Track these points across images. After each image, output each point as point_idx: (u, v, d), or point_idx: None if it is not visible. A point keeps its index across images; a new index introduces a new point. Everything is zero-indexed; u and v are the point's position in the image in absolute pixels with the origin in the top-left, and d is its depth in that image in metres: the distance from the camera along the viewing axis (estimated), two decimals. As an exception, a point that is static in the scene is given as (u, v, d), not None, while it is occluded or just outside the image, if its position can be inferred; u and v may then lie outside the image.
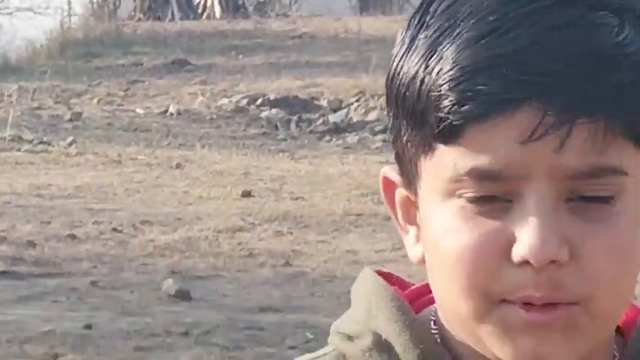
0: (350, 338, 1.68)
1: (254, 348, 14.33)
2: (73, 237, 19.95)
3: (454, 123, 1.42)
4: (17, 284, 17.24)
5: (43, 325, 14.98)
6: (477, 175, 1.43)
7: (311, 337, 15.27)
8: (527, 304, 1.42)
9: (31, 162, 27.21)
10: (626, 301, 1.60)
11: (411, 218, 1.61)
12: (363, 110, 33.63)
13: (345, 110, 33.33)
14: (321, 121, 32.44)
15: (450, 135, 1.44)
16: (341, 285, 17.64)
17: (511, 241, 1.42)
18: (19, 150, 28.89)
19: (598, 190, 1.43)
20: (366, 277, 1.72)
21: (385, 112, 1.81)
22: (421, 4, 1.58)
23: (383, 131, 30.32)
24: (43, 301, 16.37)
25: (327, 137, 30.98)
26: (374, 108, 32.98)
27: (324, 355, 1.75)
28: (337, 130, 31.45)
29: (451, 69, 1.42)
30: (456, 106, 1.42)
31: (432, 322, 1.63)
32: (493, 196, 1.45)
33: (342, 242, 19.79)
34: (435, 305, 1.65)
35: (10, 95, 35.67)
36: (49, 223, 21.28)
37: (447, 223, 1.47)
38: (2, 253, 19.00)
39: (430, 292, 1.67)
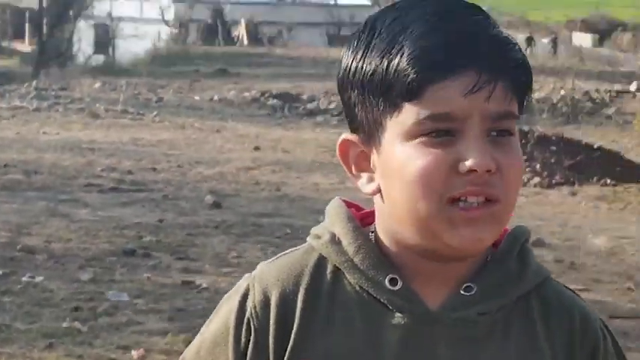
0: (317, 237, 2.10)
1: (257, 237, 17.07)
2: (154, 169, 24.51)
3: (420, 84, 1.85)
4: (120, 195, 20.74)
5: (135, 219, 17.73)
6: (434, 118, 1.86)
7: (289, 231, 17.88)
8: (467, 208, 1.87)
9: (132, 125, 33.69)
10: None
11: (363, 167, 2.02)
12: (327, 102, 42.93)
13: (317, 102, 43.75)
14: (302, 107, 42.66)
15: (415, 95, 1.86)
16: (310, 201, 21.66)
17: (456, 160, 1.84)
18: (125, 118, 35.85)
19: (506, 127, 1.93)
20: (334, 201, 2.17)
21: (341, 102, 2.12)
22: (365, 24, 2.02)
23: (338, 114, 37.31)
24: (135, 206, 19.53)
25: (305, 117, 39.97)
26: (333, 101, 40.65)
27: (300, 247, 2.20)
28: (311, 113, 41.08)
29: (413, 51, 1.85)
30: (420, 74, 1.84)
31: (371, 232, 2.05)
32: (443, 130, 1.88)
33: (310, 178, 24.52)
34: (374, 224, 2.08)
35: (122, 86, 45.85)
36: (140, 160, 26.19)
37: (411, 153, 1.88)
38: (112, 177, 23.11)
39: (373, 218, 2.11)
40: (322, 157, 27.80)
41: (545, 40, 74.25)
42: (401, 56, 1.78)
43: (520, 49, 1.89)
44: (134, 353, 10.94)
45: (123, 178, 22.24)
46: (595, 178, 22.98)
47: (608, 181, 22.86)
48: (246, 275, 2.01)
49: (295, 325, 1.89)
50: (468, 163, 1.75)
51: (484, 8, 1.96)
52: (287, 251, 2.07)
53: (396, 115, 1.81)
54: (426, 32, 1.81)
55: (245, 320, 1.91)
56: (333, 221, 2.00)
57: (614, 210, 20.58)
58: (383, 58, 1.81)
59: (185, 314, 12.54)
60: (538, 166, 23.34)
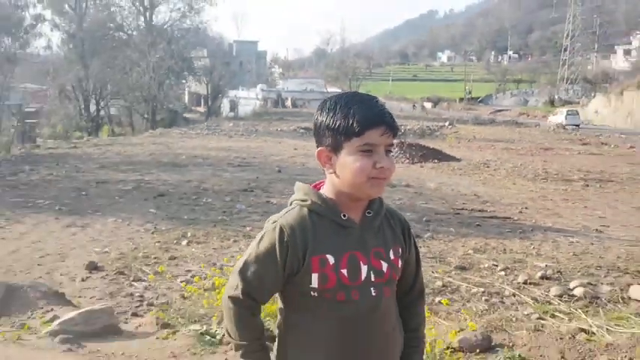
0: (304, 200, 1.97)
1: (264, 192, 14.63)
2: (254, 157, 22.34)
3: (361, 130, 1.84)
4: (241, 168, 19.46)
5: (247, 177, 16.67)
6: (366, 144, 1.85)
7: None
8: (378, 180, 1.87)
9: (245, 140, 30.77)
10: None
11: (328, 162, 1.94)
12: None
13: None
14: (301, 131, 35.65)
15: (358, 135, 1.85)
16: (289, 167, 19.59)
17: (374, 162, 1.85)
18: (242, 137, 32.26)
19: (390, 148, 1.91)
20: (301, 184, 2.05)
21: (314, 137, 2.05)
22: (330, 100, 1.94)
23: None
24: (246, 171, 18.13)
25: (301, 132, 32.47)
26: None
27: (293, 208, 1.99)
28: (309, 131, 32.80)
29: (358, 118, 1.84)
30: (362, 126, 1.83)
31: (321, 194, 1.96)
32: (369, 149, 1.86)
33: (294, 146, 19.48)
34: (322, 190, 2.00)
35: (240, 125, 42.55)
36: (248, 153, 24.04)
37: (356, 158, 1.86)
38: (237, 160, 21.73)
39: (320, 186, 2.03)
40: (309, 150, 24.00)
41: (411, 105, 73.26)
42: (353, 119, 1.85)
43: (395, 120, 1.94)
44: (248, 229, 10.60)
45: (241, 161, 20.99)
46: (430, 160, 21.76)
47: (436, 161, 21.82)
48: (271, 221, 1.97)
49: (309, 242, 1.88)
50: (379, 165, 1.86)
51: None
52: (288, 209, 1.99)
53: (348, 142, 1.87)
54: (363, 109, 1.86)
55: (285, 240, 1.88)
56: (307, 192, 1.99)
57: (437, 172, 19.36)
58: (344, 119, 1.86)
59: (267, 214, 11.03)
60: (407, 155, 21.80)
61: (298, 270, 1.90)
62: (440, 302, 6.51)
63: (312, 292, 1.90)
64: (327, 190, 1.97)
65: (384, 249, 1.97)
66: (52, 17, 40.40)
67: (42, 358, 4.21)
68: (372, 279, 1.91)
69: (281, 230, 1.89)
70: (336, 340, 1.92)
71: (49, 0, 39.76)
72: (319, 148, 1.96)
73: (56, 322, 4.97)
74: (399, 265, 2.01)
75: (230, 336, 2.00)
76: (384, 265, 1.95)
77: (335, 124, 1.87)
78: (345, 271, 1.89)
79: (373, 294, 1.91)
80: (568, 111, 51.64)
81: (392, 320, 2.02)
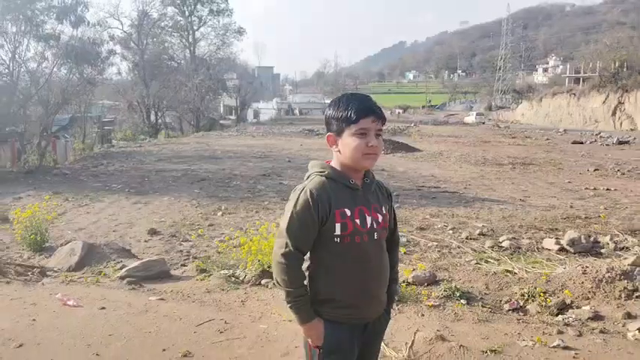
0: (321, 172, 1.96)
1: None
2: (270, 151, 21.89)
3: (357, 118, 1.87)
4: (261, 159, 19.20)
5: (265, 165, 16.48)
6: (362, 128, 1.87)
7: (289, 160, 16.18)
8: (369, 155, 1.91)
9: (264, 139, 29.16)
10: None
11: (334, 143, 1.95)
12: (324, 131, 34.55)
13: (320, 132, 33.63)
14: (316, 132, 32.88)
15: (355, 122, 1.87)
16: (296, 158, 19.14)
17: (367, 142, 1.88)
18: (263, 137, 31.12)
19: (380, 132, 1.93)
20: (313, 161, 2.06)
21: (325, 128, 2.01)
22: (338, 99, 1.97)
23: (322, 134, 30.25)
24: (265, 162, 17.92)
25: (317, 136, 30.67)
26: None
27: (313, 178, 1.98)
28: (319, 134, 31.29)
29: (355, 110, 1.87)
30: (357, 115, 1.86)
31: (334, 166, 1.96)
32: (363, 133, 1.88)
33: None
34: (331, 163, 1.99)
35: (260, 128, 41.11)
36: (266, 148, 23.58)
37: (354, 139, 1.88)
38: (258, 154, 21.24)
39: (329, 162, 2.00)
40: (307, 143, 22.98)
41: (388, 111, 73.12)
42: (351, 111, 1.87)
43: (382, 111, 1.95)
44: (266, 203, 10.68)
45: (261, 154, 20.43)
46: (400, 151, 21.05)
47: (404, 151, 21.10)
48: (298, 189, 1.95)
49: (331, 199, 1.89)
50: (370, 144, 1.89)
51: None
52: (309, 179, 1.97)
53: (348, 128, 1.88)
54: (358, 104, 1.89)
55: (315, 198, 1.87)
56: (323, 166, 1.98)
57: (405, 160, 19.02)
58: (345, 111, 1.88)
59: (279, 192, 11.99)
60: (383, 148, 21.70)
61: (326, 220, 1.90)
62: (404, 253, 6.57)
63: (335, 239, 1.91)
64: (335, 164, 1.97)
65: (379, 205, 2.01)
66: (121, 51, 40.60)
67: (113, 294, 4.30)
68: (375, 226, 1.96)
69: (311, 192, 1.89)
70: (353, 270, 1.94)
71: (118, 38, 40.28)
72: (328, 134, 1.98)
73: (124, 269, 5.07)
74: (388, 217, 2.06)
75: (282, 286, 1.95)
76: (380, 217, 1.99)
77: (338, 115, 1.91)
78: (358, 221, 1.92)
79: (376, 237, 1.96)
80: (477, 113, 58.06)
81: (386, 256, 2.05)
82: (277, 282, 1.98)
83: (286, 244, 1.92)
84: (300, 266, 1.96)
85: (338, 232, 1.91)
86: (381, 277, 2.03)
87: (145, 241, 7.70)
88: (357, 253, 1.95)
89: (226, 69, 53.86)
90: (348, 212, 1.91)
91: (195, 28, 50.12)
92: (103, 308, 3.98)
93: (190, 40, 49.93)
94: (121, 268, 5.21)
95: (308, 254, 2.00)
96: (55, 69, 18.92)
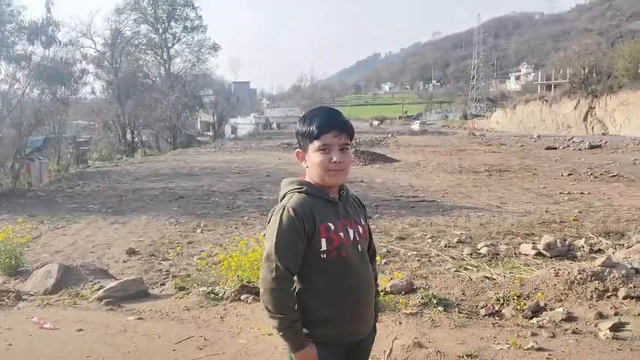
0: (299, 189, 1.89)
1: (257, 192, 17.95)
2: (249, 166, 21.80)
3: (318, 134, 1.83)
4: (239, 174, 19.27)
5: (244, 180, 16.57)
6: (323, 144, 1.83)
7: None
8: (334, 171, 1.85)
9: (242, 155, 29.08)
10: None
11: (304, 161, 1.91)
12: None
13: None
14: (295, 146, 33.93)
15: (317, 137, 1.83)
16: (275, 172, 23.21)
17: (330, 158, 1.83)
18: (240, 152, 31.18)
19: (345, 146, 1.86)
20: (286, 179, 2.00)
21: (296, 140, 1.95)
22: (304, 116, 1.93)
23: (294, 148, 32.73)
24: (244, 177, 18.02)
25: (296, 149, 31.30)
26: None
27: (292, 196, 1.89)
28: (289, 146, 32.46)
29: (317, 124, 1.83)
30: (319, 131, 1.82)
31: (311, 182, 1.90)
32: (326, 148, 1.83)
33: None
34: (306, 179, 1.93)
35: (239, 143, 40.92)
36: (245, 163, 23.74)
37: (317, 155, 1.84)
38: (237, 169, 21.26)
39: (304, 178, 1.94)
40: (284, 157, 22.21)
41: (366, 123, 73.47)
42: (313, 126, 1.83)
43: (349, 122, 1.90)
44: (245, 218, 10.88)
45: (240, 169, 20.38)
46: (377, 162, 21.37)
47: (381, 162, 21.39)
48: (277, 209, 1.87)
49: (315, 215, 1.82)
50: (333, 160, 1.84)
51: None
52: (287, 197, 1.88)
53: (311, 144, 1.85)
54: (320, 119, 1.85)
55: (299, 215, 1.79)
56: (299, 182, 1.91)
57: (383, 171, 18.97)
58: (308, 127, 1.85)
59: (259, 207, 12.14)
60: (361, 159, 21.13)
61: (312, 236, 1.83)
62: (384, 263, 6.68)
63: (322, 255, 1.84)
64: (309, 179, 1.91)
65: (358, 217, 1.97)
66: (94, 70, 40.04)
67: (91, 315, 4.27)
68: (358, 238, 1.92)
69: (294, 209, 1.81)
70: (342, 285, 1.87)
71: (91, 57, 39.72)
72: (297, 150, 1.96)
73: (101, 290, 5.04)
74: (368, 228, 2.01)
75: (274, 312, 1.82)
76: (361, 229, 1.95)
77: (302, 131, 1.87)
78: (342, 234, 1.86)
79: (360, 249, 1.92)
80: (420, 122, 66.55)
81: (370, 267, 2.00)
82: (269, 309, 1.84)
83: (276, 266, 1.81)
84: (291, 289, 1.87)
85: (324, 247, 1.84)
86: (369, 289, 1.98)
87: (124, 262, 7.66)
88: (344, 267, 1.88)
89: (202, 85, 53.76)
90: (332, 226, 1.86)
91: (169, 45, 49.96)
92: (81, 330, 3.95)
93: (165, 57, 49.76)
94: (98, 289, 5.18)
95: None
96: (27, 90, 18.73)
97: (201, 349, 3.58)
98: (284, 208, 1.83)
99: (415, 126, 60.75)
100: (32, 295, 5.34)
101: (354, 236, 1.91)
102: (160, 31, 49.10)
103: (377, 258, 2.26)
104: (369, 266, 1.99)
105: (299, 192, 1.87)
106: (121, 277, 6.29)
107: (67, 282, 5.55)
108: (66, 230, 10.25)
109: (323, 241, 1.84)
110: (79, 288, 5.50)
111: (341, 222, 1.89)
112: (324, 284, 1.86)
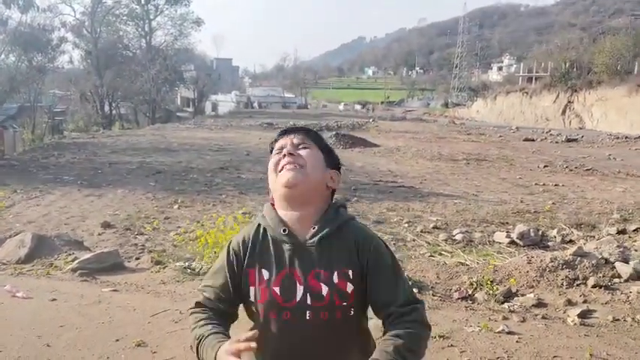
0: (262, 217, 1.46)
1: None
2: (229, 144, 21.60)
3: (273, 143, 1.52)
4: (218, 152, 19.08)
5: (223, 158, 16.34)
6: (277, 148, 1.49)
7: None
8: (284, 166, 1.42)
9: (222, 132, 28.38)
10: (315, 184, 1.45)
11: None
12: (284, 124, 34.02)
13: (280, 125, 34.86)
14: (275, 126, 33.30)
15: (272, 147, 1.51)
16: (255, 151, 23.61)
17: (282, 156, 1.45)
18: (219, 130, 30.37)
19: (302, 145, 1.46)
20: (266, 205, 1.51)
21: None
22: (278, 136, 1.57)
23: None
24: (223, 154, 17.80)
25: (276, 129, 30.97)
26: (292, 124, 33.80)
27: (252, 223, 1.51)
28: (277, 128, 32.06)
29: (277, 135, 1.54)
30: (274, 140, 1.53)
31: (271, 209, 1.47)
32: (279, 150, 1.47)
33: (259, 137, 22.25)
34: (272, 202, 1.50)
35: (218, 121, 39.67)
36: (224, 141, 23.49)
37: (271, 159, 1.48)
38: (215, 147, 21.10)
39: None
40: (270, 139, 24.12)
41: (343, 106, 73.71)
42: (273, 140, 1.54)
43: (309, 128, 1.57)
44: (223, 196, 10.68)
45: (219, 147, 20.11)
46: (358, 146, 21.08)
47: (362, 147, 20.93)
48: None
49: (249, 253, 1.42)
50: (284, 152, 1.44)
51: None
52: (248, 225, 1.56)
53: (271, 155, 1.49)
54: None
55: (231, 252, 1.43)
56: (264, 207, 1.50)
57: (363, 155, 18.80)
58: (270, 145, 1.53)
59: (237, 186, 12.09)
60: (341, 143, 20.68)
61: (240, 281, 1.45)
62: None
63: (252, 307, 1.45)
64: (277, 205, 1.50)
65: (328, 270, 1.39)
66: (73, 39, 39.35)
67: (65, 286, 4.25)
68: (309, 302, 1.38)
69: (230, 242, 1.50)
70: (277, 355, 1.44)
71: (70, 25, 38.94)
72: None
73: (76, 261, 4.99)
74: (348, 290, 1.39)
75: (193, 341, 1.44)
76: (324, 289, 1.38)
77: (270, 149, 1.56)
78: (277, 289, 1.39)
79: (308, 317, 1.39)
80: (344, 104, 73.46)
81: (334, 347, 1.42)
82: (193, 343, 1.45)
83: (200, 289, 1.53)
84: (208, 317, 1.46)
85: (252, 297, 1.43)
86: None
87: (99, 234, 7.59)
88: (278, 334, 1.41)
89: (184, 60, 53.05)
90: (266, 275, 1.42)
91: (151, 17, 48.76)
92: (54, 300, 3.93)
93: (146, 29, 48.72)
94: (72, 261, 5.14)
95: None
96: (2, 56, 18.32)
97: (176, 322, 3.59)
98: (230, 241, 1.52)
99: (340, 106, 65.17)
100: (4, 263, 5.29)
101: (304, 297, 1.39)
102: (142, 1, 47.76)
103: (408, 325, 1.37)
104: (327, 344, 1.41)
105: (260, 221, 1.50)
106: (95, 249, 6.23)
107: (41, 252, 5.50)
108: (39, 201, 10.09)
109: (251, 291, 1.43)
110: (52, 258, 5.46)
111: (286, 272, 1.41)
112: (260, 341, 1.34)
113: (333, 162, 1.54)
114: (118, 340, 3.28)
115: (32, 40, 18.45)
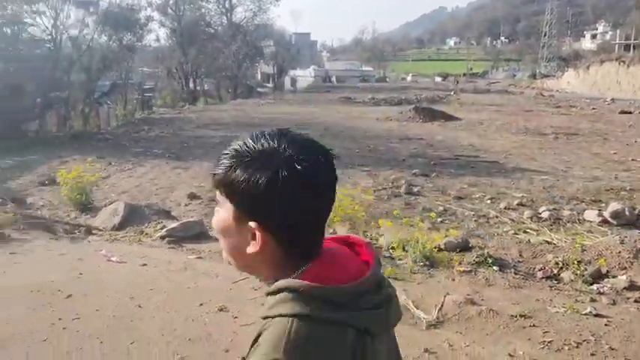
0: None
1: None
2: (288, 124, 21.23)
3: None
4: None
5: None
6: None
7: (325, 128, 14.87)
8: None
9: (300, 107, 28.04)
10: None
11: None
12: (362, 99, 33.47)
13: (357, 99, 34.28)
14: (353, 99, 33.19)
15: None
16: (332, 126, 16.86)
17: None
18: (300, 105, 29.98)
19: (216, 202, 0.85)
20: None
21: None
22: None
23: (366, 103, 30.09)
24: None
25: (355, 104, 30.70)
26: (371, 99, 33.46)
27: None
28: (355, 102, 32.04)
29: None
30: None
31: None
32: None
33: (337, 110, 18.75)
34: None
35: (297, 95, 40.64)
36: (304, 115, 23.31)
37: None
38: (288, 121, 20.85)
39: None
40: (348, 113, 22.94)
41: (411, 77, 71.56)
42: None
43: (218, 169, 0.87)
44: None
45: (299, 122, 19.46)
46: (438, 119, 20.35)
47: (442, 120, 20.31)
48: None
49: None
50: None
51: None
52: None
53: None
54: None
55: None
56: None
57: (443, 128, 18.03)
58: None
59: None
60: (421, 116, 20.61)
61: None
62: (440, 222, 6.61)
63: None
64: None
65: None
66: (159, 18, 40.68)
67: (154, 252, 4.52)
68: None
69: None
70: None
71: (156, 4, 40.45)
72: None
73: (164, 229, 5.30)
74: None
75: None
76: None
77: None
78: None
79: None
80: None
81: None
82: None
83: None
84: None
85: None
86: None
87: (185, 205, 7.93)
88: None
89: (263, 35, 53.62)
90: None
91: (231, -7, 50.43)
92: (145, 265, 4.20)
93: (227, 6, 49.41)
94: (161, 229, 5.44)
95: None
96: (95, 36, 19.44)
97: (256, 289, 3.72)
98: None
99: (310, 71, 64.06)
100: (101, 230, 5.71)
101: None
102: (223, -22, 49.52)
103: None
104: None
105: None
106: (182, 219, 6.51)
107: (133, 220, 5.86)
108: (132, 172, 10.67)
109: None
110: (143, 226, 5.76)
111: None
112: None
113: (257, 210, 0.86)
114: (202, 305, 3.46)
115: (121, 19, 19.39)
